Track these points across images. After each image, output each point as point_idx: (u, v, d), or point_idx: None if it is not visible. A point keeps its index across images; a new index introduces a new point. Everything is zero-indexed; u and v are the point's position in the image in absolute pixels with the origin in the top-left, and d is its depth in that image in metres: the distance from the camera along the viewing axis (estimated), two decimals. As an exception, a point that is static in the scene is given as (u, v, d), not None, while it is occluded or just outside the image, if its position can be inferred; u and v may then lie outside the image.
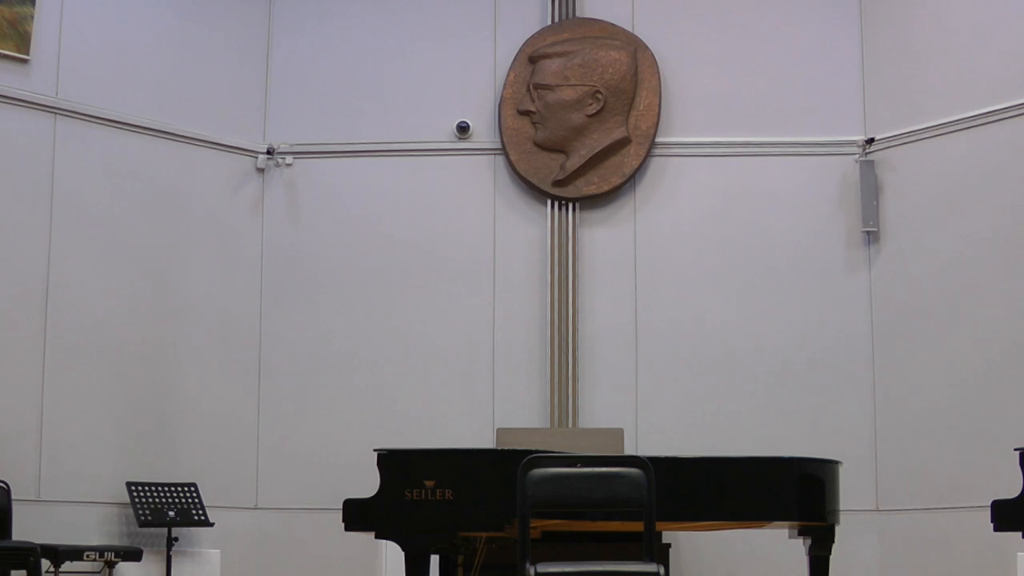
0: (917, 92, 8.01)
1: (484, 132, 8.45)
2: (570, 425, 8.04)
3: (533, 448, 5.27)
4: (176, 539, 7.35)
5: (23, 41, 7.42)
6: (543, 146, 8.33)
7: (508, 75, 8.42)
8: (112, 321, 7.65)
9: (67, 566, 6.82)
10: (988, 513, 5.56)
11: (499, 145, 8.41)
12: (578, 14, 8.51)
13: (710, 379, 8.10)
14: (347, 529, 5.31)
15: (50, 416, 7.33)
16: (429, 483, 5.14)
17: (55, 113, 7.56)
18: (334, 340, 8.29)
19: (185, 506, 7.44)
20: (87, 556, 6.88)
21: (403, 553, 5.21)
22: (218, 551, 7.80)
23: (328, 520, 6.86)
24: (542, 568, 4.56)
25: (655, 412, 8.06)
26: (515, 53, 8.44)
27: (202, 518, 7.48)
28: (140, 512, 7.26)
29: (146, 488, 7.40)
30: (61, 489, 7.32)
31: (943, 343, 7.71)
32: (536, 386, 8.19)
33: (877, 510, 7.91)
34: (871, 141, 8.16)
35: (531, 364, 8.21)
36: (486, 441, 7.71)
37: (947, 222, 7.78)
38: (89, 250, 7.62)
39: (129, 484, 7.39)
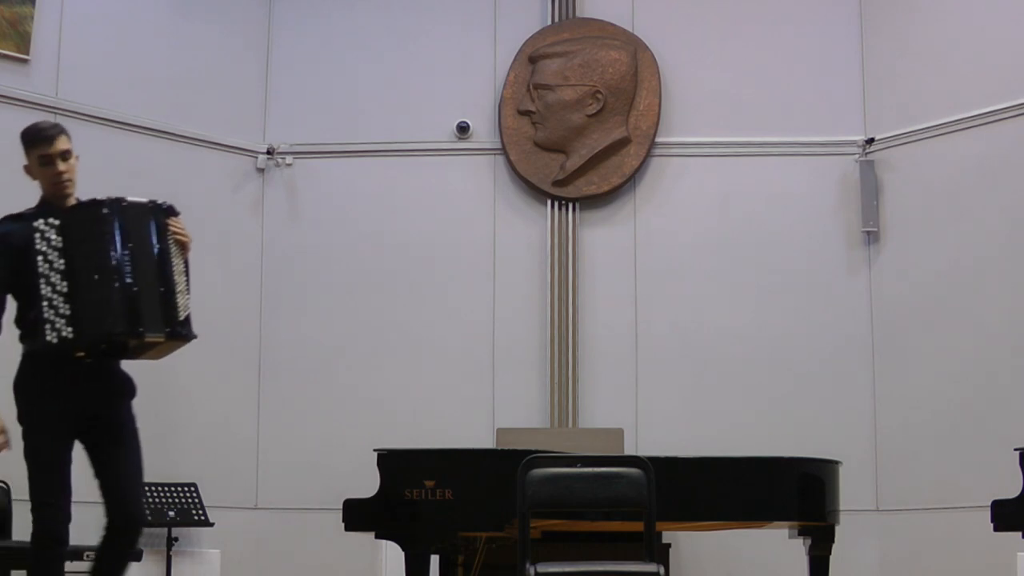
0: (917, 92, 8.01)
1: (484, 132, 8.46)
2: (570, 425, 8.04)
3: (533, 448, 5.27)
4: (176, 539, 7.34)
5: (23, 41, 7.42)
6: (543, 146, 8.33)
7: (508, 75, 8.42)
8: (112, 321, 7.65)
9: (67, 566, 6.80)
10: (988, 513, 5.56)
11: (499, 145, 8.41)
12: (578, 14, 8.51)
13: (710, 379, 8.10)
14: (347, 529, 5.31)
15: (50, 416, 7.33)
16: (429, 483, 5.14)
17: (55, 113, 7.55)
18: (334, 340, 8.29)
19: (185, 506, 7.44)
20: (87, 556, 6.87)
21: (403, 553, 5.21)
22: (218, 551, 7.80)
23: (328, 520, 6.85)
24: (542, 568, 4.57)
25: (655, 412, 8.06)
26: (515, 53, 8.44)
27: (202, 518, 7.48)
28: (140, 512, 7.26)
29: (146, 488, 7.39)
30: (61, 489, 7.31)
31: (943, 343, 7.71)
32: (536, 386, 8.19)
33: (877, 510, 7.91)
34: (871, 141, 8.16)
35: (531, 364, 8.21)
36: (486, 441, 7.71)
37: (947, 222, 7.79)
38: (89, 250, 7.61)
39: (129, 484, 7.38)
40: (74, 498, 7.36)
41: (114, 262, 4.55)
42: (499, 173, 8.43)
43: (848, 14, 8.34)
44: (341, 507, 5.31)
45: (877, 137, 8.15)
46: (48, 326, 4.48)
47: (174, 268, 4.68)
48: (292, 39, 8.59)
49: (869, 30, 8.31)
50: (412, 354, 8.27)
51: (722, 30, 8.44)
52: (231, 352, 8.17)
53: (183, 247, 4.74)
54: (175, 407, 7.89)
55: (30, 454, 4.69)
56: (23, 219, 4.63)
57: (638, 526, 4.78)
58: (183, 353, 7.91)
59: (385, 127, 8.47)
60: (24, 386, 4.60)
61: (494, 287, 8.33)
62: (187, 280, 4.72)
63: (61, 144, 4.81)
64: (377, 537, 5.37)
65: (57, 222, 4.60)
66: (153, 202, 4.74)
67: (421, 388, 8.22)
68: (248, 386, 8.21)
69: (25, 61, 7.44)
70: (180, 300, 4.67)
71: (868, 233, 8.12)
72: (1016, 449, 5.60)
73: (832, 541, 5.62)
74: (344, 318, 8.30)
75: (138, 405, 7.76)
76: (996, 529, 5.57)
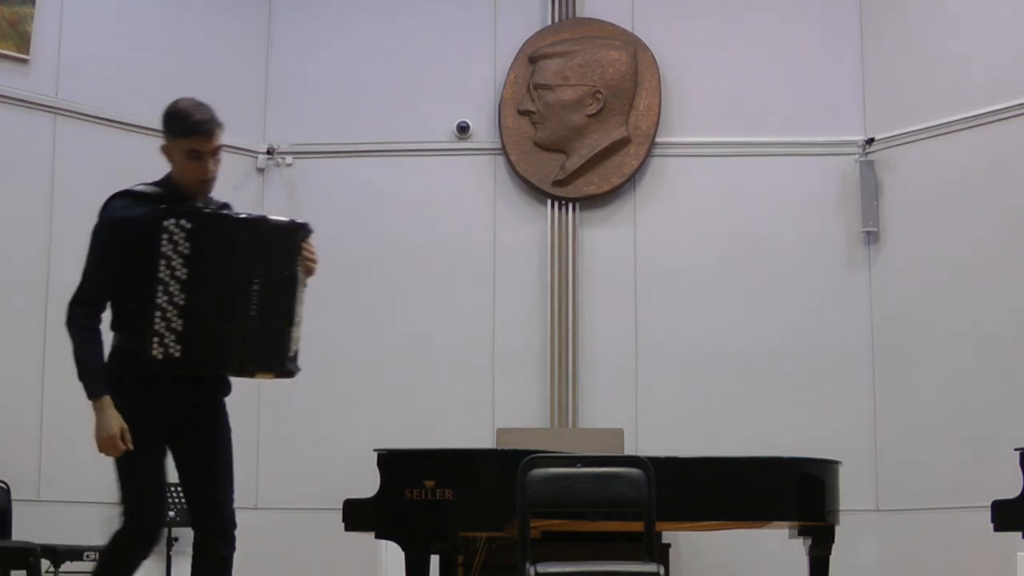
0: (917, 92, 8.01)
1: (484, 132, 8.45)
2: (570, 425, 8.04)
3: (533, 448, 5.27)
4: (176, 539, 7.35)
5: (23, 41, 7.42)
6: (543, 146, 8.33)
7: (508, 75, 8.42)
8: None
9: (67, 566, 6.82)
10: (988, 513, 5.56)
11: (499, 145, 8.41)
12: (578, 14, 8.51)
13: (710, 379, 8.10)
14: (347, 529, 5.31)
15: (50, 416, 7.33)
16: (429, 483, 5.14)
17: (55, 113, 7.56)
18: (334, 340, 8.28)
19: (185, 506, 7.42)
20: (87, 556, 6.88)
21: (403, 553, 5.21)
22: (218, 551, 7.79)
23: (328, 520, 6.84)
24: (542, 568, 4.56)
25: (655, 412, 8.06)
26: (515, 53, 8.44)
27: (202, 518, 7.47)
28: (140, 512, 7.25)
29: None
30: (61, 489, 7.32)
31: (943, 343, 7.71)
32: (536, 386, 8.19)
33: (877, 510, 7.91)
34: (871, 141, 8.16)
35: (531, 364, 8.21)
36: (486, 441, 7.71)
37: (947, 222, 7.78)
38: (89, 250, 7.61)
39: (129, 484, 7.37)
40: (74, 498, 7.40)
41: (241, 289, 4.19)
42: (499, 173, 8.42)
43: (848, 14, 8.34)
44: (341, 507, 5.30)
45: (877, 137, 8.14)
46: (156, 340, 4.12)
47: (296, 297, 4.31)
48: (292, 39, 8.59)
49: (869, 30, 8.30)
50: (412, 354, 8.26)
51: (722, 30, 8.44)
52: (231, 352, 8.16)
53: (308, 272, 4.37)
54: (175, 407, 7.88)
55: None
56: (148, 202, 4.24)
57: (638, 526, 4.78)
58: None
59: (385, 127, 8.46)
60: (115, 382, 4.22)
61: (494, 287, 8.33)
62: (302, 307, 4.36)
63: (217, 140, 4.43)
64: (377, 537, 5.36)
65: (189, 226, 4.16)
66: (294, 223, 4.36)
67: (421, 388, 8.21)
68: (247, 386, 8.17)
69: (25, 61, 7.44)
70: (294, 333, 4.31)
71: (868, 233, 8.12)
72: (1016, 449, 5.60)
73: (832, 541, 5.61)
74: (344, 317, 8.30)
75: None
76: (996, 529, 5.57)
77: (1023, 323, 7.35)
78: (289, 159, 8.42)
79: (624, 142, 8.31)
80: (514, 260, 8.34)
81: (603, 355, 8.19)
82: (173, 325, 4.14)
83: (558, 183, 8.30)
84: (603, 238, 8.33)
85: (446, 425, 8.04)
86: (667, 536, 7.05)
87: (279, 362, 4.31)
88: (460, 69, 8.50)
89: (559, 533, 6.09)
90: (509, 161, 8.38)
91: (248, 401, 8.17)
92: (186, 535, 7.48)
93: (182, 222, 4.16)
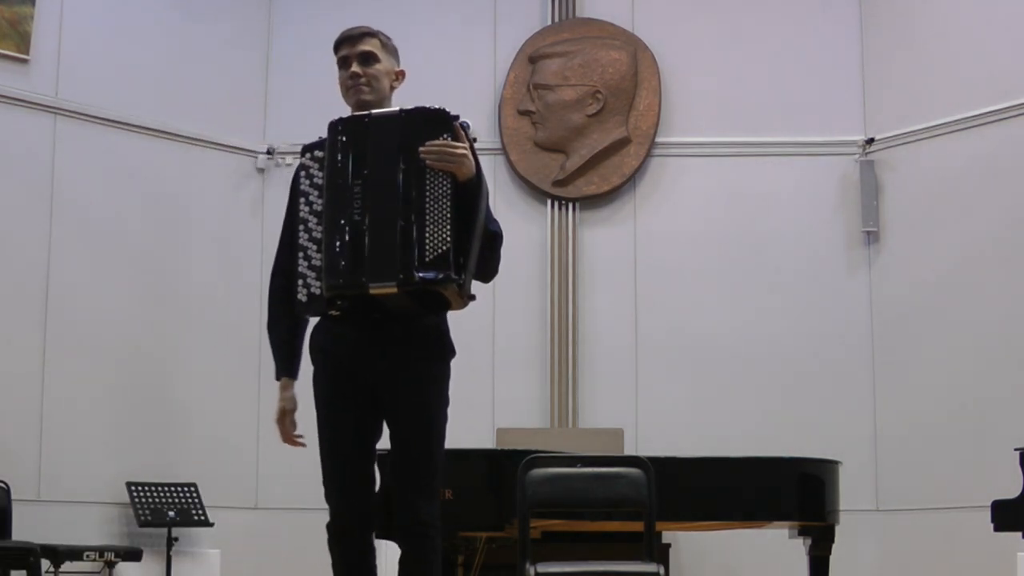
0: (917, 92, 8.01)
1: (484, 132, 8.44)
2: (570, 425, 8.04)
3: (533, 448, 5.27)
4: (176, 539, 7.34)
5: (23, 41, 7.41)
6: (543, 146, 8.33)
7: (508, 75, 8.42)
8: (112, 321, 7.65)
9: (67, 566, 6.82)
10: (988, 513, 5.56)
11: (499, 145, 8.41)
12: (578, 14, 8.50)
13: (710, 379, 8.10)
14: (347, 529, 5.30)
15: (50, 416, 7.33)
16: (429, 483, 5.13)
17: (55, 113, 7.56)
18: (334, 340, 8.28)
19: (185, 506, 7.44)
20: (87, 556, 6.88)
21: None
22: (218, 551, 7.80)
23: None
24: (542, 568, 4.56)
25: (655, 412, 8.06)
26: (515, 53, 8.44)
27: (202, 518, 7.47)
28: (140, 512, 7.26)
29: (146, 488, 7.40)
30: (61, 489, 7.32)
31: (943, 343, 7.71)
32: (536, 386, 8.19)
33: (877, 510, 7.91)
34: (871, 141, 8.16)
35: (531, 364, 8.21)
36: (486, 441, 7.71)
37: (947, 222, 7.79)
38: (89, 250, 7.61)
39: (129, 484, 7.38)
40: (74, 498, 7.37)
41: (346, 194, 3.65)
42: (499, 173, 8.42)
43: (848, 14, 8.34)
44: (341, 507, 5.29)
45: (877, 137, 8.14)
46: (300, 281, 3.70)
47: (427, 193, 3.62)
48: (292, 39, 8.58)
49: (869, 30, 8.30)
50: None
51: (722, 30, 8.44)
52: (231, 352, 8.16)
53: (449, 164, 3.65)
54: (175, 407, 7.89)
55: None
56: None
57: (638, 526, 4.78)
58: (182, 351, 7.94)
59: (385, 127, 8.44)
60: (309, 349, 3.89)
61: (494, 287, 8.18)
62: (454, 207, 3.64)
63: (364, 45, 4.16)
64: (377, 537, 5.35)
65: (321, 154, 3.76)
66: (405, 110, 3.77)
67: (421, 388, 8.19)
68: (248, 386, 8.20)
69: (25, 61, 7.44)
70: (429, 233, 3.59)
71: (868, 233, 8.12)
72: (1016, 449, 5.61)
73: (832, 541, 5.62)
74: (344, 318, 8.29)
75: (137, 403, 7.77)
76: (996, 529, 5.58)
77: (1022, 322, 7.35)
78: (289, 159, 8.41)
79: (624, 142, 8.31)
80: (514, 260, 8.25)
81: (603, 355, 8.19)
82: (314, 262, 3.70)
83: (558, 183, 8.30)
84: (603, 238, 8.33)
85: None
86: (667, 536, 7.05)
87: (404, 267, 3.60)
88: (460, 69, 8.50)
89: (559, 533, 6.09)
90: (509, 161, 8.38)
91: (248, 401, 8.18)
92: (185, 535, 7.50)
93: (316, 153, 3.79)
